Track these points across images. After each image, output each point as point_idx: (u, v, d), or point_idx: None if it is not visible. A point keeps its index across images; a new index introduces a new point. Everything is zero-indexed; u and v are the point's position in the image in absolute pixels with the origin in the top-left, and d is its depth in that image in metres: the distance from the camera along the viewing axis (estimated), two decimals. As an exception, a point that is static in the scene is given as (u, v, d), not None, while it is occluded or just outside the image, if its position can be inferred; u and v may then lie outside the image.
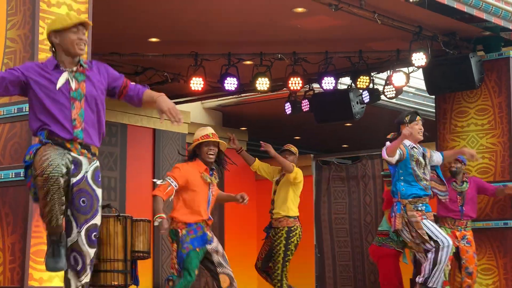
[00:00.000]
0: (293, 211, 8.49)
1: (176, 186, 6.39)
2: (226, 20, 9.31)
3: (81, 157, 4.33)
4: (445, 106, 9.86)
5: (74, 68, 4.38)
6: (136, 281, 8.89)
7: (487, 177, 9.38)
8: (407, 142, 7.25)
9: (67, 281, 4.34)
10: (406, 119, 7.37)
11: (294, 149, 8.78)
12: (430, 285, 7.02)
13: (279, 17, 9.11)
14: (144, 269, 9.71)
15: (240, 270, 8.60)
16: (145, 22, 9.28)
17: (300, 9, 8.76)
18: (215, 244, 6.53)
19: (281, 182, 8.64)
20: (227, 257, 6.36)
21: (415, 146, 7.31)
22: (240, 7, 8.85)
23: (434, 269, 7.00)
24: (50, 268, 4.28)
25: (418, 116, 7.40)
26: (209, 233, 6.54)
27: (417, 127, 7.33)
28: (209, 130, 6.58)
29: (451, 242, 7.04)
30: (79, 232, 4.28)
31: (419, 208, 7.14)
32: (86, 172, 4.34)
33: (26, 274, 5.19)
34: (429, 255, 7.01)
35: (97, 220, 4.34)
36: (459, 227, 8.71)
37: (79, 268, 4.31)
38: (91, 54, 5.68)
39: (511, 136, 9.31)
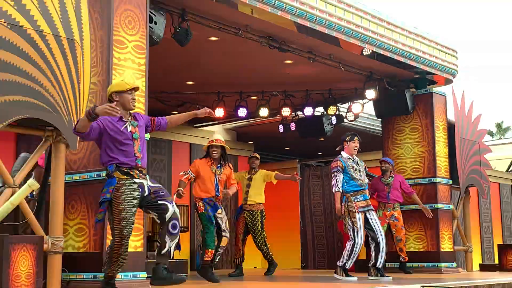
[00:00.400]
0: (263, 198, 8.37)
1: (192, 174, 6.66)
2: (239, 70, 9.34)
3: (141, 180, 4.49)
4: (389, 126, 9.83)
5: (130, 118, 4.55)
6: (178, 247, 8.80)
7: (418, 175, 9.36)
8: (344, 155, 7.25)
9: (163, 243, 4.50)
10: (347, 138, 7.33)
11: (258, 156, 8.64)
12: (347, 267, 7.08)
13: (274, 67, 9.12)
14: (184, 239, 9.70)
15: (246, 246, 8.57)
16: (185, 71, 9.32)
17: (288, 61, 8.77)
18: (222, 215, 6.64)
19: (254, 179, 8.33)
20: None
21: (350, 157, 7.26)
22: (248, 62, 8.89)
23: (351, 257, 7.02)
24: None
25: (356, 137, 7.32)
26: (219, 205, 6.65)
27: (354, 145, 7.28)
28: (215, 137, 6.76)
29: (362, 240, 7.04)
30: (173, 206, 4.49)
31: (359, 199, 7.12)
32: (148, 184, 4.53)
33: (104, 242, 5.17)
34: (348, 246, 7.03)
35: None
36: (388, 209, 8.66)
37: (176, 231, 4.50)
38: (148, 92, 5.68)
39: (434, 146, 9.30)
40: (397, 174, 8.99)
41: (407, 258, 8.64)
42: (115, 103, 4.35)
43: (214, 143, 6.66)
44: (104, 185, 4.46)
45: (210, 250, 6.48)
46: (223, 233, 6.57)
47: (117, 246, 4.37)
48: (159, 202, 4.46)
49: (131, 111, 4.59)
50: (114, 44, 5.44)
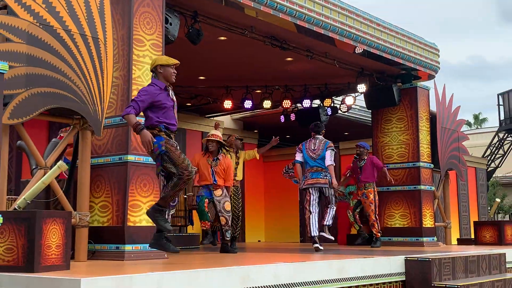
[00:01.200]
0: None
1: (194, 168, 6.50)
2: (245, 67, 9.32)
3: (174, 141, 4.60)
4: (378, 116, 9.78)
5: (170, 89, 4.69)
6: (191, 223, 8.90)
7: (403, 159, 9.33)
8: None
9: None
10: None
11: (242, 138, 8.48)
12: (329, 223, 7.33)
13: (277, 64, 9.09)
14: (196, 215, 9.66)
15: (252, 222, 8.57)
16: (197, 67, 9.29)
17: (289, 58, 8.74)
18: (219, 198, 6.53)
19: (240, 159, 7.94)
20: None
21: None
22: (253, 59, 8.84)
23: (331, 216, 7.31)
24: (165, 227, 4.52)
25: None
26: (217, 191, 6.54)
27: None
28: (211, 132, 6.77)
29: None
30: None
31: None
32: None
33: (125, 218, 5.19)
34: (332, 210, 7.34)
35: None
36: (360, 188, 8.59)
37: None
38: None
39: (417, 134, 9.26)
40: (370, 157, 8.75)
41: (378, 234, 8.47)
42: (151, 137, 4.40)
43: (210, 138, 6.68)
44: (154, 141, 4.46)
45: (203, 221, 6.55)
46: (219, 214, 6.52)
47: (184, 181, 4.40)
48: (170, 165, 4.59)
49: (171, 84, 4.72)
50: (133, 42, 5.43)
